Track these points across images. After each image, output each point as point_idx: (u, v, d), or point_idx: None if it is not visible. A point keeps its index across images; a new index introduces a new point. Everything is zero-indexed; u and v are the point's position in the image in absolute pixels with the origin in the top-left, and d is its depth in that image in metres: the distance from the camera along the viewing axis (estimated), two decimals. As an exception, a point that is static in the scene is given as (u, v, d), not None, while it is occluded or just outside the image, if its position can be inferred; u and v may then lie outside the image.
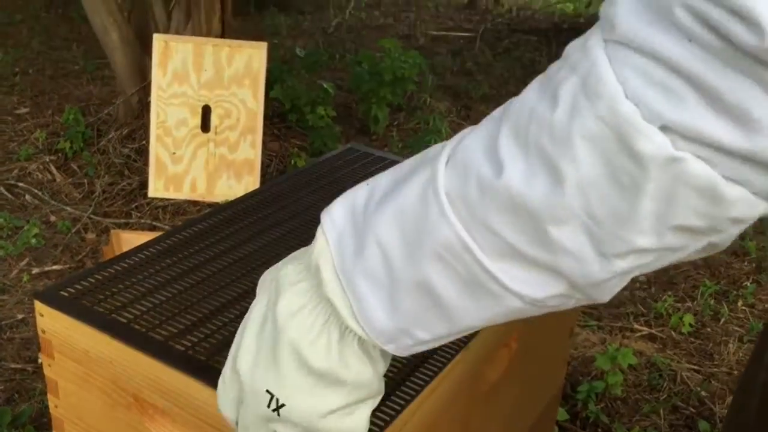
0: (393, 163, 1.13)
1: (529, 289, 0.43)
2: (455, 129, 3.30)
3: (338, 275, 0.47)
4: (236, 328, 0.72)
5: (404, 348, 0.49)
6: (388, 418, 0.63)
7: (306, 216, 0.95)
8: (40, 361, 1.81)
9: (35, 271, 2.16)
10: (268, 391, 0.50)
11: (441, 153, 0.45)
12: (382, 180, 0.49)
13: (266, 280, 0.55)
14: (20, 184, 2.61)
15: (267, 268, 0.83)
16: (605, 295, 0.43)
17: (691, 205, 0.38)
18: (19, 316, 1.97)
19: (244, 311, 0.75)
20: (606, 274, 0.41)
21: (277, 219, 0.94)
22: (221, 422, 0.66)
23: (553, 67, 0.42)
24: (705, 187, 0.37)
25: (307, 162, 2.67)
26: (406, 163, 0.49)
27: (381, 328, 0.47)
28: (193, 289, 0.79)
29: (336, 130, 2.97)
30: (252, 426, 0.53)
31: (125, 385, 0.71)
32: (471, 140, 0.44)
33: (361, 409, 0.52)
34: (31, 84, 3.49)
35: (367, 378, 0.50)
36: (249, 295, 0.78)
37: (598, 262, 0.41)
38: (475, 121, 0.46)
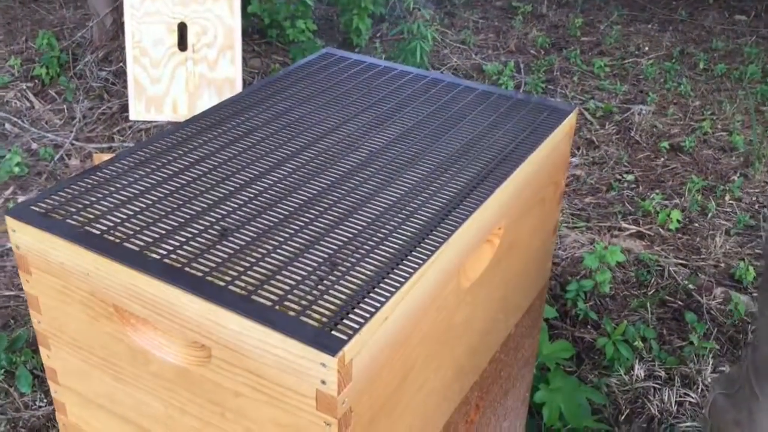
0: (370, 66, 1.10)
1: None
2: (441, 36, 3.23)
3: None
4: (210, 236, 0.72)
5: None
6: (373, 310, 0.63)
7: (283, 120, 0.93)
8: (32, 287, 1.82)
9: (21, 199, 2.14)
10: None
11: None
12: None
13: None
14: (-1, 114, 2.56)
15: (243, 176, 0.81)
16: None
17: None
18: (8, 245, 1.97)
19: (218, 219, 0.75)
20: None
21: (253, 125, 0.92)
22: (201, 327, 0.66)
23: None
24: None
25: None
26: None
27: None
28: (167, 199, 0.77)
29: (318, 44, 2.90)
30: None
31: (104, 296, 0.71)
32: None
33: None
34: (2, 11, 3.38)
35: None
36: (223, 202, 0.77)
37: None
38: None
